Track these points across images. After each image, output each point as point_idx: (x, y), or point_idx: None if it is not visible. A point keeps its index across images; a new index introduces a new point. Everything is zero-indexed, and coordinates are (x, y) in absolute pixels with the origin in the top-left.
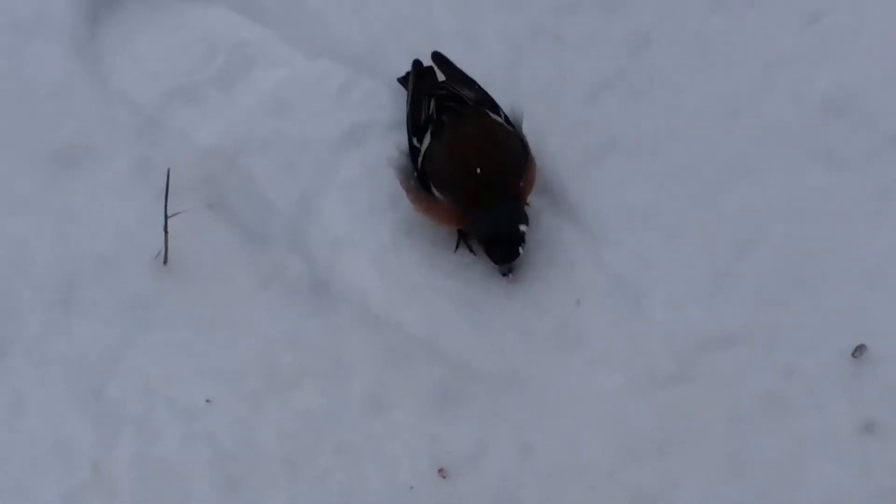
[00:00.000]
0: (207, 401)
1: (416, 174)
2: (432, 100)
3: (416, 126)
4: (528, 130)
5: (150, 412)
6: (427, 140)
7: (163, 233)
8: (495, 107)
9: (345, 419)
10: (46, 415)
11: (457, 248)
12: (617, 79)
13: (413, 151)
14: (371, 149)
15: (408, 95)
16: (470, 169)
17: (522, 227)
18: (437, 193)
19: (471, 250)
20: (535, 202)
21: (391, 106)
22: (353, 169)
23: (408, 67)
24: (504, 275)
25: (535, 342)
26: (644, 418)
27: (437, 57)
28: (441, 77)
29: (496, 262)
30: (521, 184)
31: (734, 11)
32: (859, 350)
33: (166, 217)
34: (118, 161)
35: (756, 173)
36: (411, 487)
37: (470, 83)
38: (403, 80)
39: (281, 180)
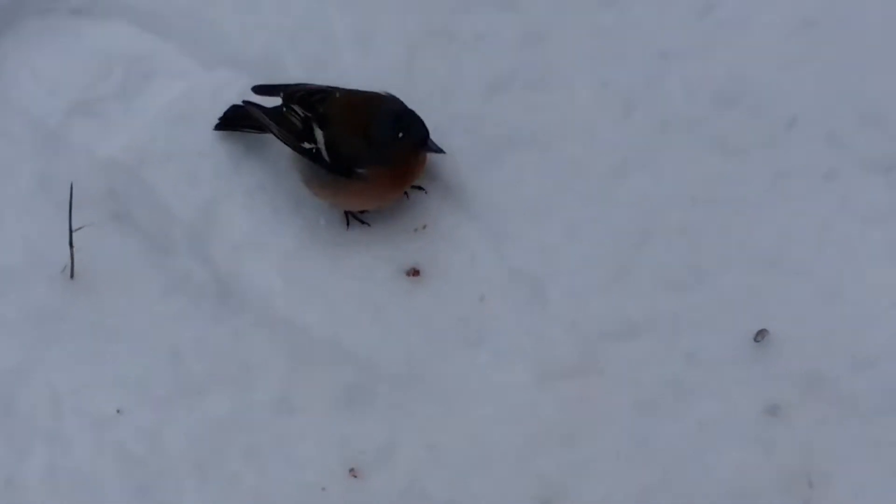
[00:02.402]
0: (118, 411)
1: (328, 169)
2: (293, 106)
3: (297, 133)
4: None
5: (59, 424)
6: (319, 133)
7: (68, 246)
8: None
9: (254, 422)
10: None
11: (348, 224)
12: (512, 75)
13: (309, 153)
14: (271, 155)
15: (265, 122)
16: (367, 126)
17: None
18: (361, 171)
19: (363, 221)
20: (434, 199)
21: None
22: (255, 176)
23: (303, 73)
24: (439, 151)
25: (439, 339)
26: (549, 410)
27: (260, 88)
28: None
29: (420, 138)
30: None
31: (625, 5)
32: (761, 334)
33: (71, 231)
34: (20, 176)
35: (652, 164)
36: (323, 488)
37: (306, 83)
38: (226, 125)
39: (183, 190)
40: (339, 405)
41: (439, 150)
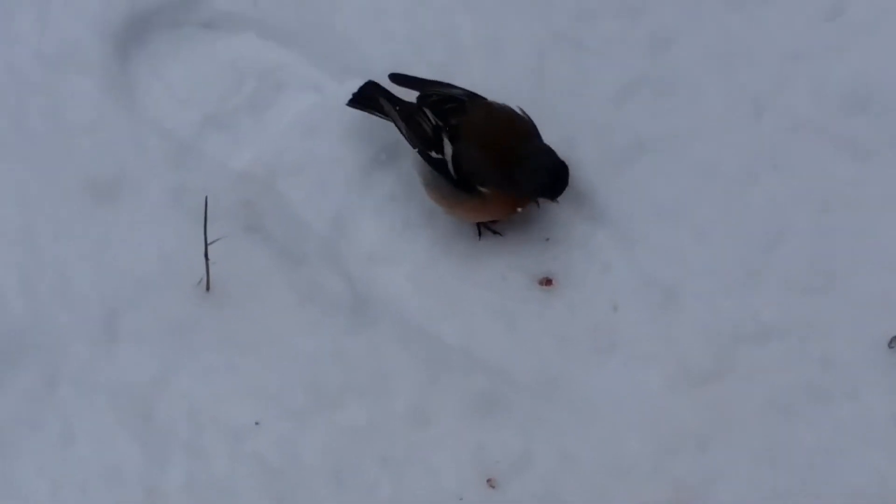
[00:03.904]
0: (256, 423)
1: (451, 183)
2: (426, 110)
3: (426, 140)
4: (554, 135)
5: (198, 435)
6: (448, 147)
7: (203, 258)
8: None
9: (389, 432)
10: (96, 442)
11: (480, 235)
12: (640, 81)
13: (436, 163)
14: (402, 167)
15: (393, 117)
16: (503, 150)
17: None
18: (484, 190)
19: (495, 231)
20: (565, 207)
21: None
22: (386, 187)
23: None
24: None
25: (572, 347)
26: (683, 415)
27: (397, 77)
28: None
29: (554, 194)
30: None
31: (752, 8)
32: (895, 340)
33: (206, 243)
34: (154, 190)
35: (782, 167)
36: (460, 498)
37: (443, 84)
38: (356, 102)
39: (315, 201)
40: (474, 414)
41: (556, 201)
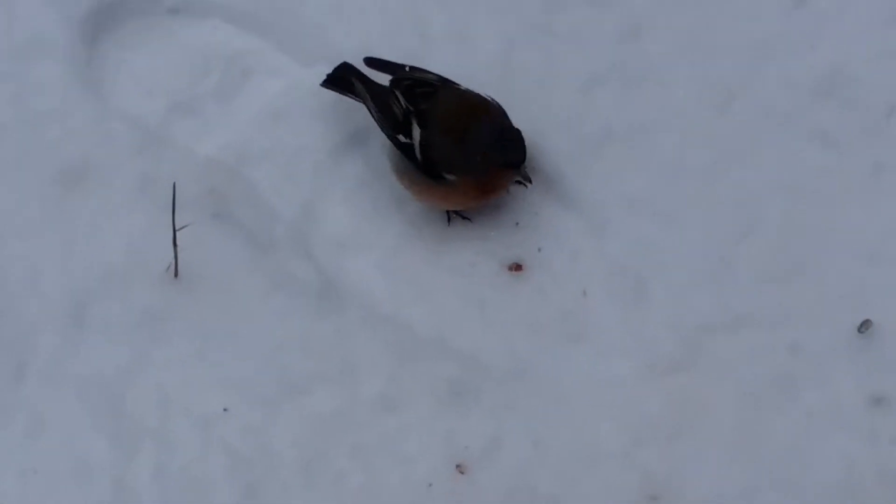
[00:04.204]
0: (225, 409)
1: (417, 168)
2: (398, 93)
3: (396, 124)
4: (524, 124)
5: (167, 423)
6: (417, 131)
7: (171, 246)
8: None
9: (359, 420)
10: (65, 434)
11: (449, 221)
12: (609, 70)
13: (405, 147)
14: (371, 152)
15: (365, 100)
16: (468, 136)
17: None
18: (450, 178)
19: (464, 217)
20: (535, 193)
21: None
22: (355, 173)
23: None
24: (528, 181)
25: (542, 334)
26: (653, 404)
27: (371, 61)
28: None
29: (515, 161)
30: None
31: None
32: (865, 325)
33: (174, 230)
34: (121, 178)
35: (751, 156)
36: (430, 484)
37: (418, 69)
38: (330, 83)
39: (283, 187)
40: (443, 401)
41: (527, 181)
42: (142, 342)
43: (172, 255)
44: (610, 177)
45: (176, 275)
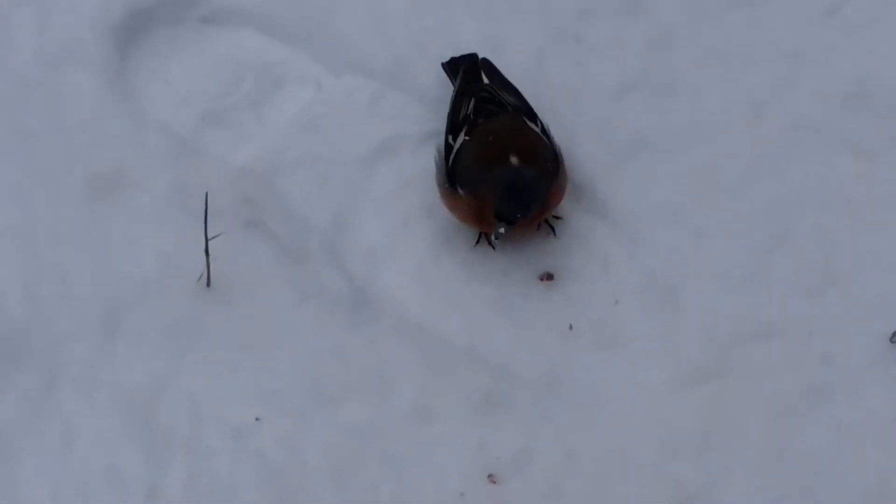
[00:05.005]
0: (257, 419)
1: (446, 172)
2: (472, 100)
3: (454, 124)
4: (555, 132)
5: (199, 433)
6: (461, 139)
7: (203, 255)
8: (533, 116)
9: (391, 430)
10: (97, 443)
11: (477, 241)
12: (640, 79)
13: (447, 149)
14: (403, 161)
15: (453, 91)
16: (495, 164)
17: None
18: (460, 191)
19: (490, 244)
20: (566, 202)
21: (420, 119)
22: (387, 182)
23: (433, 79)
24: (496, 238)
25: (574, 343)
26: (684, 414)
27: (485, 63)
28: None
29: (500, 213)
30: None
31: (752, 7)
32: None
33: (206, 240)
34: (154, 186)
35: (782, 167)
36: (462, 494)
37: (513, 91)
38: (448, 66)
39: (316, 197)
40: (476, 411)
41: (495, 237)
42: (174, 352)
43: (205, 264)
44: (640, 186)
45: (208, 284)
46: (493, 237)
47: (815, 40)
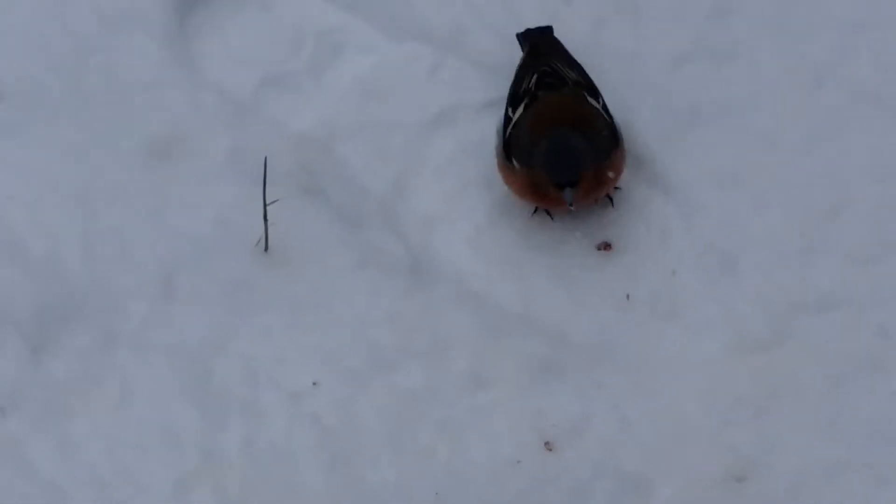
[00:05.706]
0: (314, 383)
1: (502, 144)
2: (535, 74)
3: (514, 96)
4: (613, 102)
5: (256, 396)
6: (520, 111)
7: (261, 219)
8: (595, 93)
9: (446, 396)
10: (153, 403)
11: (535, 211)
12: (698, 48)
13: (506, 121)
14: (462, 129)
15: (519, 69)
16: (547, 135)
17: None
18: (515, 164)
19: (549, 214)
20: (625, 172)
21: (480, 87)
22: (445, 150)
23: (493, 46)
24: (569, 204)
25: (631, 312)
26: (741, 382)
27: (552, 39)
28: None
29: (552, 175)
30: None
31: None
32: None
33: (265, 204)
34: (212, 150)
35: (841, 137)
36: (518, 461)
37: (576, 66)
38: (522, 37)
39: (374, 164)
40: (532, 378)
41: (568, 204)
42: (231, 314)
43: (262, 228)
44: (698, 155)
45: (266, 248)
46: (567, 205)
47: (877, 11)
